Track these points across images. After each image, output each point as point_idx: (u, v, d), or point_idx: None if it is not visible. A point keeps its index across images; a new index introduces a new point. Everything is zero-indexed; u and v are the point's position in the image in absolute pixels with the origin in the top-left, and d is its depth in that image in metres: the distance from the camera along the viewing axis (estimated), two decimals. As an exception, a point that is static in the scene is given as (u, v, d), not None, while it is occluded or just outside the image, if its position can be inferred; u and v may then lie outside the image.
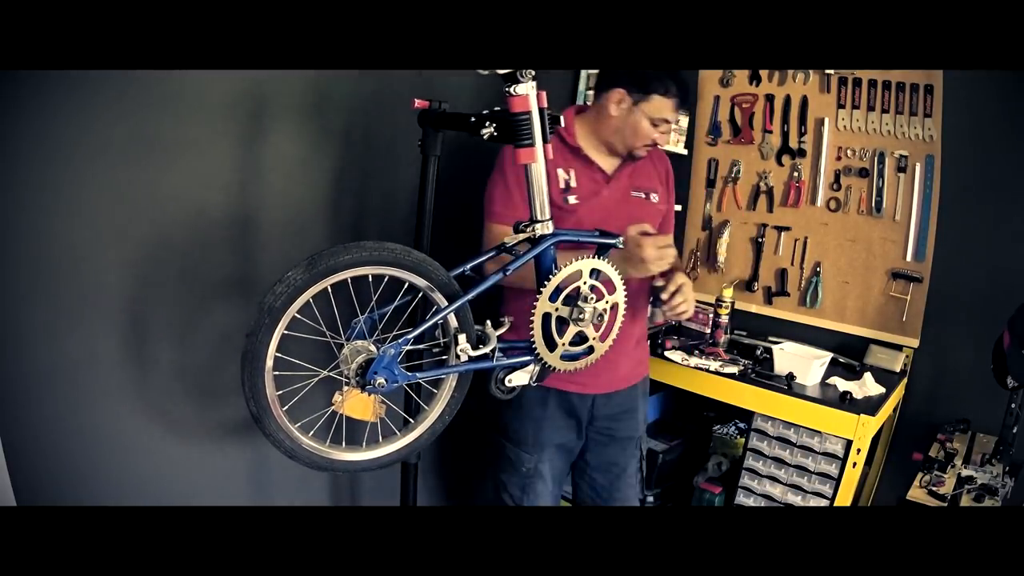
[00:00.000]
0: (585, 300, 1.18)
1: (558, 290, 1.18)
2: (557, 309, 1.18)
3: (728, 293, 2.29)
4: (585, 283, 1.19)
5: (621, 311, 1.26)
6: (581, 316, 1.19)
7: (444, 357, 1.18)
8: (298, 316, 1.01)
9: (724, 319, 2.26)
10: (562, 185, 1.49)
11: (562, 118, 1.19)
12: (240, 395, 1.03)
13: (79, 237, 1.19)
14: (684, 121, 2.59)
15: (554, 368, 1.23)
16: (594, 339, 1.25)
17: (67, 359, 1.22)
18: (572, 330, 1.21)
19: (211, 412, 1.47)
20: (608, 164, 1.55)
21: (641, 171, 1.58)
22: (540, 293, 1.16)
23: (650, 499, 2.20)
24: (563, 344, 1.20)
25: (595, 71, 2.22)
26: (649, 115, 1.46)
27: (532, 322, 1.16)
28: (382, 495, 1.92)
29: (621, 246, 1.28)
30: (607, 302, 1.22)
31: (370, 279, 1.05)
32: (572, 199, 1.49)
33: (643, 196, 1.57)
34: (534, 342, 1.18)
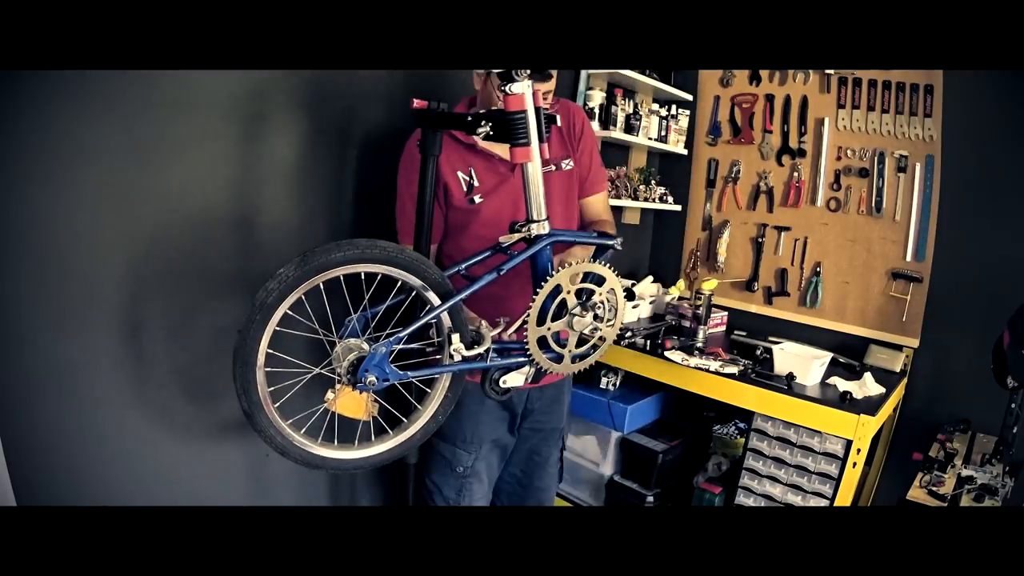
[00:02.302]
0: (592, 308, 1.18)
1: (544, 310, 1.17)
2: (549, 328, 1.18)
3: (707, 286, 2.29)
4: (569, 292, 1.18)
5: (620, 296, 1.25)
6: (582, 315, 1.19)
7: (438, 357, 1.18)
8: (291, 313, 1.01)
9: (701, 311, 2.28)
10: (464, 187, 1.43)
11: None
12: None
13: (79, 237, 1.20)
14: (684, 121, 2.60)
15: (543, 368, 1.22)
16: (567, 351, 1.22)
17: (67, 359, 1.22)
18: (561, 323, 1.20)
19: (211, 412, 1.47)
20: (504, 150, 1.36)
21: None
22: (560, 270, 1.15)
23: (650, 499, 2.20)
24: (550, 329, 1.19)
25: (595, 71, 2.22)
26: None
27: (539, 290, 1.15)
28: (382, 495, 1.92)
29: (619, 247, 1.27)
30: (600, 293, 1.21)
31: (363, 277, 1.05)
32: (477, 198, 1.42)
33: (553, 168, 1.45)
34: (529, 314, 1.16)
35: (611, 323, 1.23)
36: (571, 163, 1.48)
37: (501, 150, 1.44)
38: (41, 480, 1.20)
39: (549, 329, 1.19)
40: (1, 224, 1.10)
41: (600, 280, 1.21)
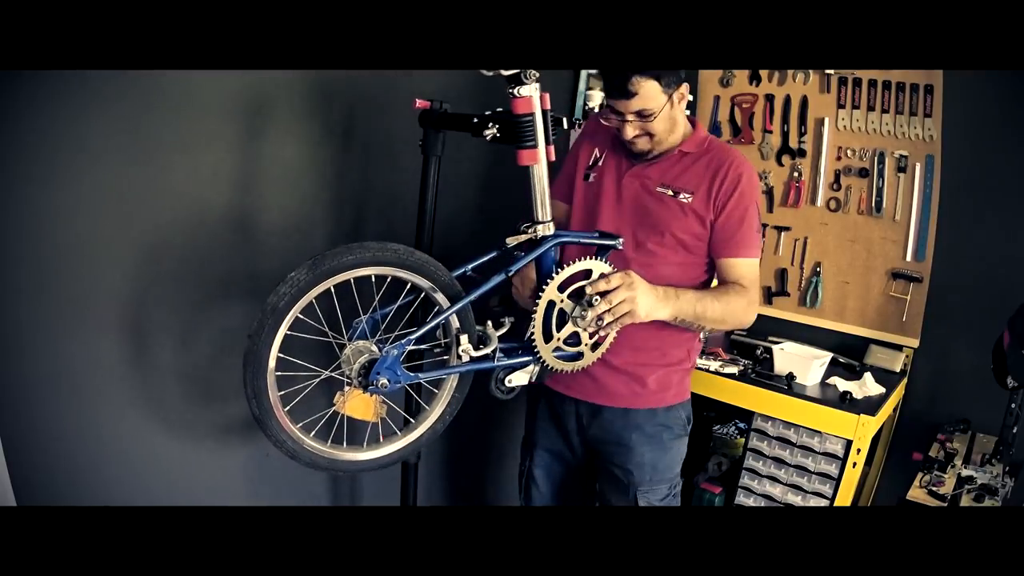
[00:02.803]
0: (590, 304, 1.18)
1: (547, 324, 1.19)
2: (562, 301, 1.18)
3: None
4: (562, 301, 1.19)
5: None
6: (582, 315, 1.19)
7: (445, 357, 1.18)
8: (300, 316, 1.01)
9: None
10: (589, 162, 1.49)
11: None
12: (240, 395, 1.03)
13: (80, 237, 1.19)
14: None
15: (551, 368, 1.23)
16: (585, 345, 1.25)
17: (67, 359, 1.22)
18: (569, 328, 1.21)
19: (211, 412, 1.47)
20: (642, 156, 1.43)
21: (683, 170, 1.40)
22: (548, 284, 1.16)
23: (650, 499, 2.20)
24: (558, 339, 1.20)
25: (595, 71, 2.22)
26: (608, 105, 1.38)
27: (535, 310, 1.16)
28: (382, 495, 1.92)
29: (620, 247, 1.28)
30: (592, 284, 1.21)
31: (372, 279, 1.06)
32: (592, 177, 1.48)
33: (670, 193, 1.39)
34: (533, 335, 1.18)
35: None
36: (690, 197, 1.37)
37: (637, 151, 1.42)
38: (41, 480, 1.20)
39: (558, 339, 1.20)
40: (1, 224, 1.10)
41: (587, 273, 1.21)
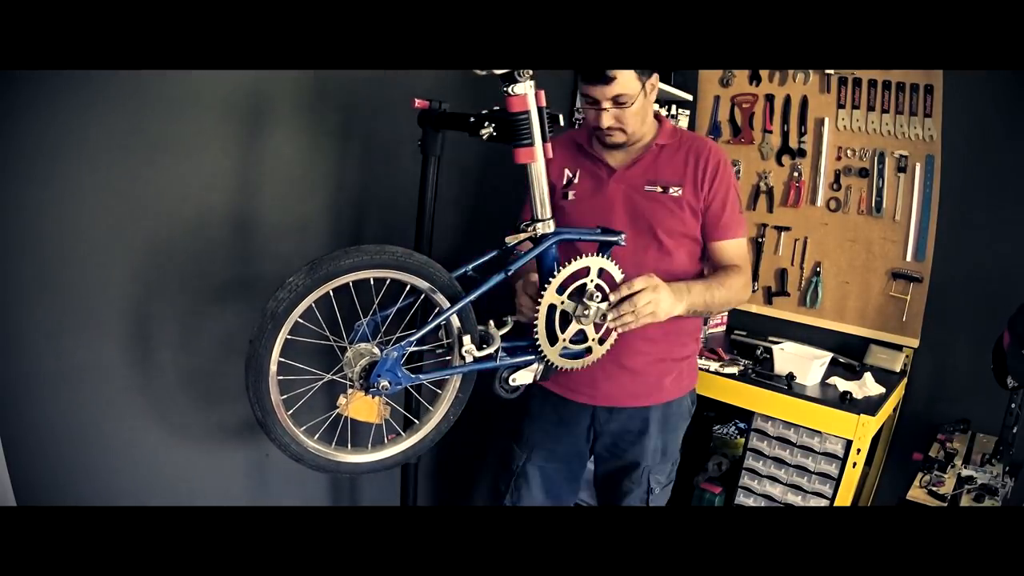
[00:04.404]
0: (591, 298, 1.18)
1: (550, 327, 1.19)
2: (563, 302, 1.18)
3: None
4: (592, 281, 1.18)
5: (612, 268, 1.25)
6: (585, 313, 1.19)
7: (448, 358, 1.18)
8: (300, 320, 1.01)
9: None
10: (564, 181, 1.48)
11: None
12: (240, 396, 1.03)
13: (81, 238, 1.19)
14: (684, 121, 2.60)
15: (557, 366, 1.23)
16: (593, 340, 1.25)
17: (68, 359, 1.22)
18: (574, 327, 1.21)
19: (212, 413, 1.47)
20: (617, 159, 1.46)
21: (664, 164, 1.44)
22: (547, 286, 1.16)
23: (650, 499, 2.20)
24: (564, 340, 1.20)
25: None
26: (581, 94, 1.40)
27: (536, 315, 1.16)
28: (382, 495, 1.92)
29: (623, 243, 1.28)
30: (591, 281, 1.21)
31: (371, 282, 1.05)
32: (571, 195, 1.47)
33: (659, 190, 1.42)
34: (537, 337, 1.18)
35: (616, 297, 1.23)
36: (679, 190, 1.42)
37: (606, 153, 1.47)
38: (41, 480, 1.20)
39: (564, 340, 1.20)
40: (1, 224, 1.10)
41: (586, 271, 1.21)
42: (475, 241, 1.52)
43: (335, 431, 1.14)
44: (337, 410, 1.12)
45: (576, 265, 1.18)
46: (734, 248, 1.46)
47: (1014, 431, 1.77)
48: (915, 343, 2.21)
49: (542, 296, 1.17)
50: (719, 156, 1.44)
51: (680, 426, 1.61)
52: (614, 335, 1.28)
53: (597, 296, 1.19)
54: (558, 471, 1.60)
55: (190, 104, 1.29)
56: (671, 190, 1.42)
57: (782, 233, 2.46)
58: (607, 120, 1.35)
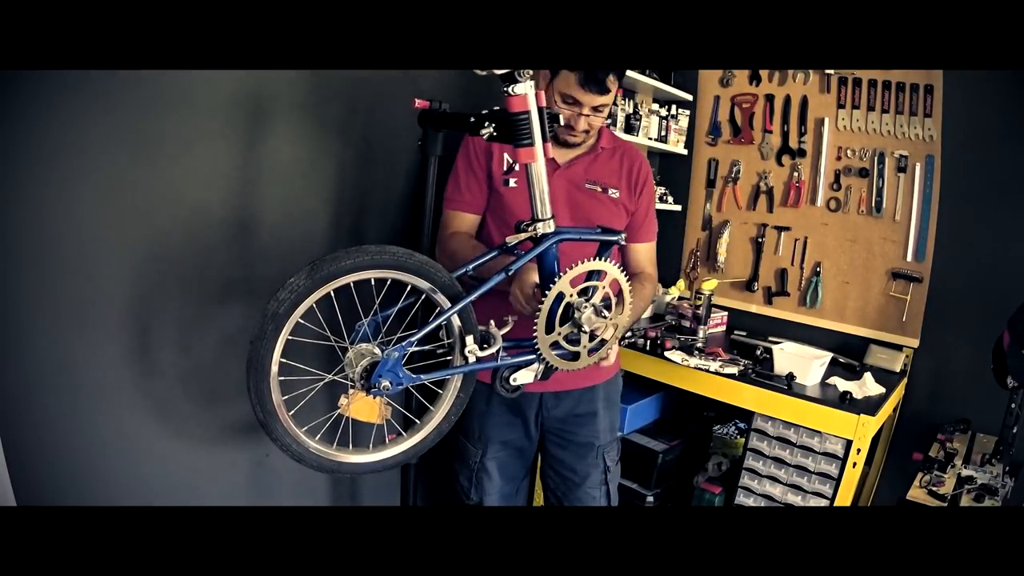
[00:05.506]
0: (594, 303, 1.18)
1: (551, 316, 1.17)
2: (572, 295, 1.17)
3: (707, 286, 2.33)
4: (571, 295, 1.18)
5: (624, 282, 1.26)
6: (583, 311, 1.19)
7: (448, 358, 1.18)
8: (301, 321, 1.01)
9: (701, 311, 2.34)
10: (504, 167, 1.47)
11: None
12: (241, 397, 1.03)
13: (82, 238, 1.19)
14: (684, 121, 2.60)
15: (553, 365, 1.22)
16: (584, 348, 1.23)
17: (67, 359, 1.22)
18: (586, 334, 1.20)
19: (212, 413, 1.47)
20: (561, 154, 1.49)
21: (602, 166, 1.52)
22: (562, 276, 1.15)
23: (650, 499, 2.20)
24: (559, 333, 1.19)
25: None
26: (560, 91, 1.39)
27: (545, 296, 1.15)
28: (382, 495, 1.92)
29: (623, 243, 1.27)
30: (603, 287, 1.20)
31: (372, 282, 1.05)
32: (512, 182, 1.46)
33: (599, 189, 1.51)
34: (537, 323, 1.16)
35: (620, 311, 1.24)
36: (617, 192, 1.52)
37: (555, 152, 1.48)
38: (41, 480, 1.20)
39: (559, 334, 1.19)
40: (2, 225, 1.10)
41: (601, 274, 1.21)
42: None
43: (336, 431, 1.14)
44: (338, 410, 1.12)
45: (594, 265, 1.18)
46: (649, 251, 1.62)
47: (1014, 431, 1.77)
48: (915, 343, 2.21)
49: (552, 285, 1.16)
50: (647, 165, 1.59)
51: (618, 402, 1.72)
52: (604, 351, 1.27)
53: (604, 303, 1.19)
54: (511, 455, 1.65)
55: (190, 104, 1.29)
56: (610, 191, 1.52)
57: (782, 233, 2.46)
58: (584, 123, 1.41)
